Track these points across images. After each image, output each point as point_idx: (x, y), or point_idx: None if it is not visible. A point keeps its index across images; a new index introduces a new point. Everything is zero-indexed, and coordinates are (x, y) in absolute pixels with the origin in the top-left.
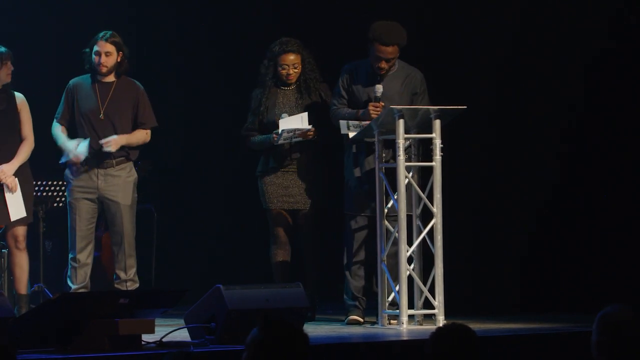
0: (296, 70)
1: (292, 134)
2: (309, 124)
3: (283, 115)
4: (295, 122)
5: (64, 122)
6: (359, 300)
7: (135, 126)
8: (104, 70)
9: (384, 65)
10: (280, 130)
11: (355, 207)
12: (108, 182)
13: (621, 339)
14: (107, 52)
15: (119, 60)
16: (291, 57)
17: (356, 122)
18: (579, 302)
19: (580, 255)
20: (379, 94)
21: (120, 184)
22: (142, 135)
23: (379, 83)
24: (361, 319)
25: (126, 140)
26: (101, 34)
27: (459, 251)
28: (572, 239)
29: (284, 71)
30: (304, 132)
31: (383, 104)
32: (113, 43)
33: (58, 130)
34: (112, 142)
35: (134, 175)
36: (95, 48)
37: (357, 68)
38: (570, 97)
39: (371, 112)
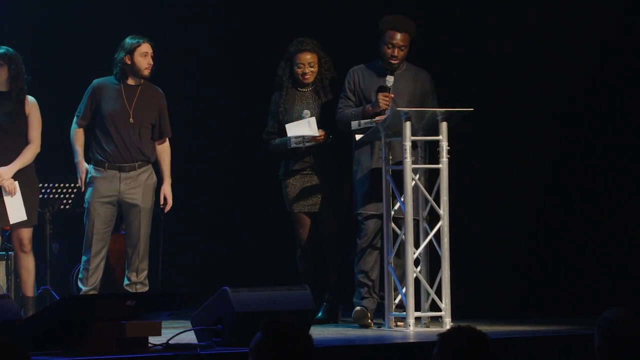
0: (312, 70)
1: (301, 138)
2: (323, 127)
3: (304, 112)
4: (302, 128)
5: (85, 121)
6: (370, 287)
7: (154, 135)
8: (149, 71)
9: (397, 53)
10: (288, 136)
11: (366, 206)
12: (130, 185)
13: (620, 343)
14: (152, 54)
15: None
16: (307, 56)
17: (367, 120)
18: (587, 304)
19: (586, 257)
20: (389, 84)
21: (142, 187)
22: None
23: (368, 70)
24: (368, 311)
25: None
26: (138, 39)
27: (465, 253)
28: (577, 240)
29: (299, 70)
30: (313, 137)
31: (392, 95)
32: (152, 45)
33: (76, 139)
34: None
35: (154, 178)
36: (142, 50)
37: (365, 69)
38: (571, 98)
39: (380, 101)
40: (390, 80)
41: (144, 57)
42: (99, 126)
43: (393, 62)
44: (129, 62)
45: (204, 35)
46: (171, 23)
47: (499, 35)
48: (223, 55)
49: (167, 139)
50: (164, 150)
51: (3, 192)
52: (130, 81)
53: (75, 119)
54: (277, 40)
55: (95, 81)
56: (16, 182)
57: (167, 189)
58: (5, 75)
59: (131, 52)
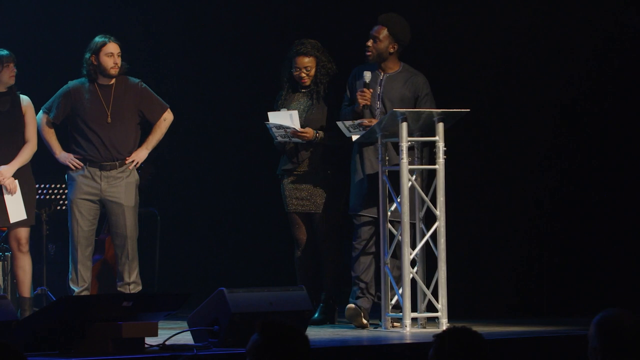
0: (309, 74)
1: (282, 131)
2: (313, 128)
3: (282, 110)
4: (283, 119)
5: (57, 121)
6: (364, 289)
7: (149, 121)
8: (116, 71)
9: (369, 43)
10: (268, 124)
11: (361, 208)
12: (110, 184)
13: (620, 344)
14: (118, 53)
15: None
16: (305, 60)
17: (351, 122)
18: (586, 304)
19: (585, 257)
20: (367, 80)
21: (123, 186)
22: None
23: (366, 70)
24: (362, 310)
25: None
26: (104, 38)
27: (462, 254)
28: (576, 240)
29: (296, 73)
30: (295, 132)
31: (372, 90)
32: (118, 44)
33: (49, 135)
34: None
35: (135, 176)
36: (107, 50)
37: (361, 68)
38: (571, 98)
39: (358, 98)
40: (367, 75)
41: (109, 57)
42: (77, 128)
43: (367, 53)
44: (95, 63)
45: (204, 35)
46: (171, 23)
47: (498, 35)
48: (223, 55)
49: (168, 111)
50: (157, 125)
51: (3, 191)
52: (102, 80)
53: (42, 114)
54: (277, 40)
55: (71, 83)
56: (16, 181)
57: (137, 151)
58: (14, 74)
59: (97, 52)
